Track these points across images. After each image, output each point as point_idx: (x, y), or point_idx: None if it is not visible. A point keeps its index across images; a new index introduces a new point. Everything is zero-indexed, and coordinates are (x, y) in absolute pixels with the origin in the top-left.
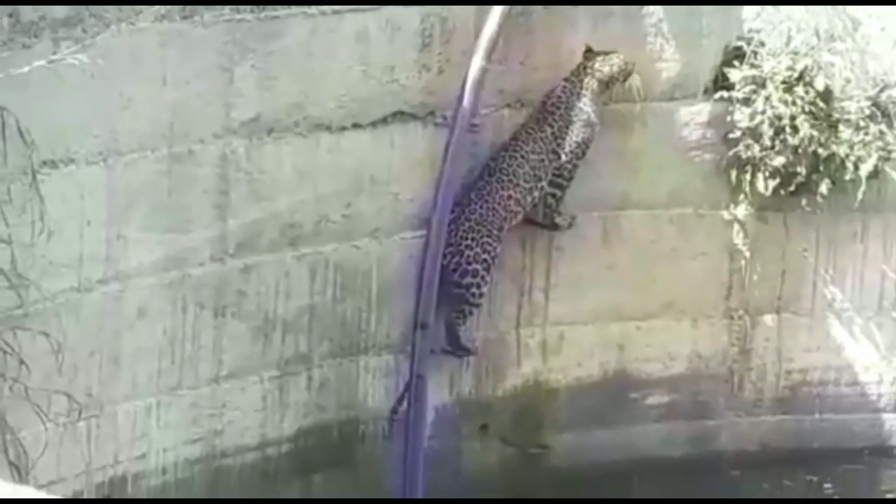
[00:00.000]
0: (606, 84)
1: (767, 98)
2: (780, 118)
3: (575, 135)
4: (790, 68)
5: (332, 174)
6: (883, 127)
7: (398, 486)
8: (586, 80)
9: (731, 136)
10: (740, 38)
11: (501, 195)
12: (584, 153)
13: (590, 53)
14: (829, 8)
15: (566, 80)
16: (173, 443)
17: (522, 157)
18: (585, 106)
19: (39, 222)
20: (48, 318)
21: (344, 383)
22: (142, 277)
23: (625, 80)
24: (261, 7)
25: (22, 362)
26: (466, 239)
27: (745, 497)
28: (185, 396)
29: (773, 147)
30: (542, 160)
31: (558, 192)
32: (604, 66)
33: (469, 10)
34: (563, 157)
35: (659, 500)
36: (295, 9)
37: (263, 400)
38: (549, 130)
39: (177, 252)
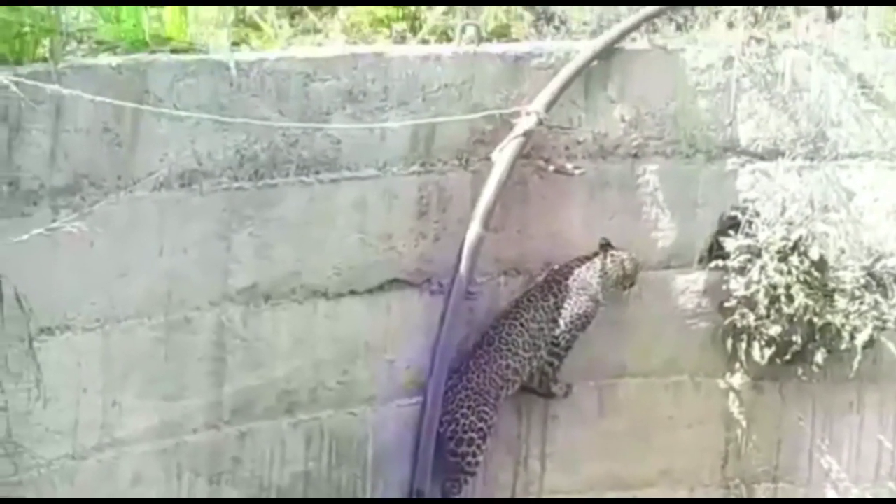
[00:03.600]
0: (619, 276)
1: (763, 267)
2: (775, 287)
3: (578, 307)
4: (785, 238)
5: (329, 341)
6: (878, 297)
7: None
8: (603, 261)
9: (726, 304)
10: (735, 207)
11: (500, 364)
12: (584, 326)
13: (606, 244)
14: (822, 178)
15: (579, 258)
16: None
17: (522, 325)
18: (594, 281)
19: (35, 389)
20: (43, 486)
21: None
22: (137, 444)
23: (631, 286)
24: (258, 175)
25: None
26: (463, 407)
27: None
28: None
29: (768, 316)
30: (542, 329)
31: (556, 362)
32: (624, 260)
33: (465, 179)
34: (563, 327)
35: (660, 499)
36: (292, 177)
37: None
38: (552, 300)
39: (172, 419)
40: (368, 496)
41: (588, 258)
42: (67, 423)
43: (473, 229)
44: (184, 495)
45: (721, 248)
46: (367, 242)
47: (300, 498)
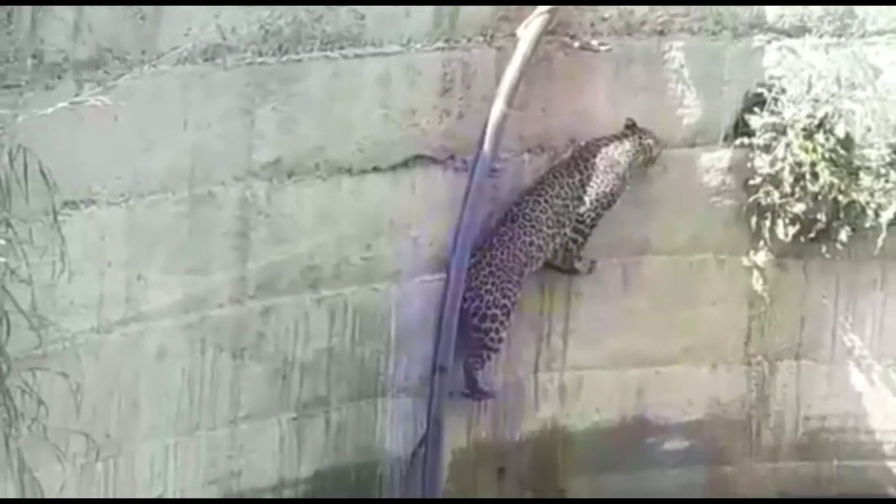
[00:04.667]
0: (644, 154)
1: (788, 145)
2: (800, 165)
3: (605, 184)
4: (811, 115)
5: (353, 217)
6: None
7: None
8: (630, 140)
9: (751, 182)
10: (761, 84)
11: (524, 241)
12: (609, 205)
13: (632, 124)
14: (850, 55)
15: (608, 136)
16: (190, 484)
17: (547, 202)
18: (623, 160)
19: (60, 263)
20: (67, 359)
21: (361, 426)
22: (161, 319)
23: (651, 162)
24: (282, 50)
25: (41, 402)
26: (487, 284)
27: None
28: (202, 438)
29: (793, 194)
30: (567, 206)
31: (580, 239)
32: (651, 141)
33: (490, 56)
34: (589, 205)
35: (659, 499)
36: (317, 52)
37: (281, 442)
38: (578, 177)
39: (196, 294)
40: (391, 372)
41: (617, 137)
42: (92, 297)
43: (497, 106)
44: (207, 370)
45: (746, 125)
46: (391, 118)
47: (305, 498)
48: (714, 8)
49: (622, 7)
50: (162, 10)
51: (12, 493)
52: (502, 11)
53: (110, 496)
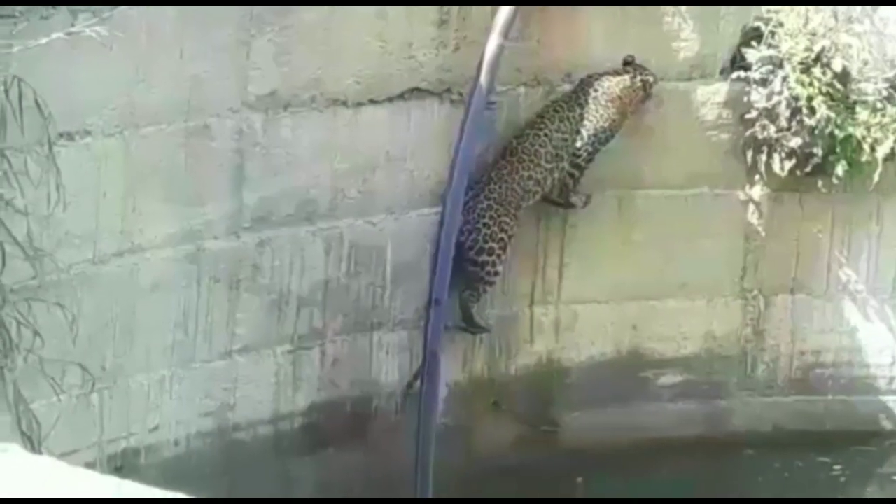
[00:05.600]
0: (643, 90)
1: (785, 79)
2: (797, 99)
3: (604, 119)
4: (808, 49)
5: (349, 150)
6: None
7: (410, 462)
8: (630, 75)
9: (747, 116)
10: (758, 18)
11: (521, 175)
12: (608, 139)
13: (631, 60)
14: None
15: (609, 71)
16: (186, 416)
17: (546, 136)
18: (623, 95)
19: (55, 194)
20: (63, 290)
21: (357, 359)
22: (157, 250)
23: (648, 98)
24: None
25: (36, 334)
26: (484, 217)
27: (753, 478)
28: (198, 370)
29: (789, 128)
30: (566, 140)
31: (577, 173)
32: (648, 75)
33: None
34: (587, 139)
35: (660, 500)
36: None
37: (276, 374)
38: (578, 111)
39: (192, 226)
40: (387, 305)
41: (617, 72)
42: (88, 229)
43: (494, 39)
44: (203, 302)
45: (743, 59)
46: (388, 51)
47: (307, 498)
48: None
49: None
50: None
51: (8, 426)
52: None
53: (106, 427)
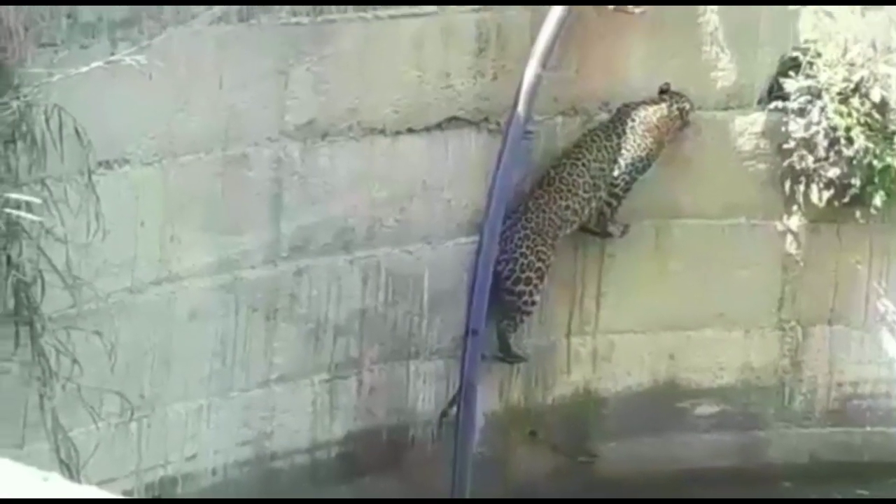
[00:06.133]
0: (680, 119)
1: (823, 109)
2: (835, 129)
3: (642, 149)
4: (846, 79)
5: (386, 179)
6: None
7: (447, 491)
8: (667, 104)
9: (785, 146)
10: (796, 48)
11: (560, 205)
12: (645, 168)
13: (667, 89)
14: (885, 19)
15: (646, 100)
16: (224, 444)
17: (584, 165)
18: (660, 124)
19: (95, 223)
20: (101, 319)
21: (394, 388)
22: (195, 279)
23: (686, 126)
24: (317, 10)
25: (75, 362)
26: (521, 247)
27: None
28: (236, 398)
29: (827, 158)
30: (603, 169)
31: (614, 203)
32: (685, 103)
33: (525, 17)
34: (625, 169)
35: (658, 499)
36: (351, 13)
37: (314, 403)
38: (615, 140)
39: (230, 255)
40: (424, 334)
41: (654, 101)
42: (126, 257)
43: (531, 68)
44: (240, 331)
45: (781, 89)
46: (425, 80)
47: (310, 498)
48: None
49: None
50: None
51: (46, 453)
52: None
53: (144, 456)
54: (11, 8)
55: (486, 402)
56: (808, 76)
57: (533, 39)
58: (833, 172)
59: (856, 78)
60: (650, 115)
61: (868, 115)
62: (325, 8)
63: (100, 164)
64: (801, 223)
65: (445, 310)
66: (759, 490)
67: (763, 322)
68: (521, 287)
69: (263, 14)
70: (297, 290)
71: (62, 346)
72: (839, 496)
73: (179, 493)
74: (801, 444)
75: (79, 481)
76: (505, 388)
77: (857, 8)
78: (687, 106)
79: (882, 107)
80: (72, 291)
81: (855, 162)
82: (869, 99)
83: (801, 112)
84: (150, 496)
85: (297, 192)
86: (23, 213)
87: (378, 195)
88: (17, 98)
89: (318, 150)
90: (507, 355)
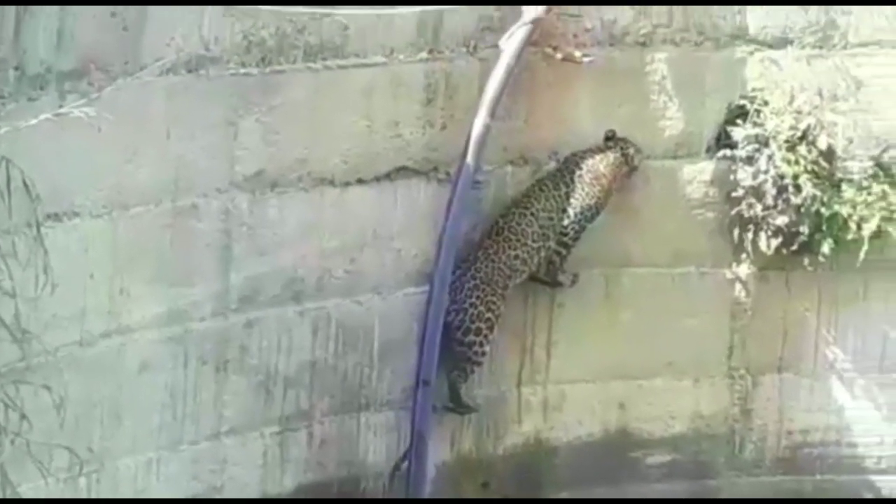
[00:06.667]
0: (627, 165)
1: (770, 157)
2: (782, 177)
3: (590, 197)
4: (793, 127)
5: (336, 229)
6: (886, 187)
7: None
8: (614, 151)
9: (733, 194)
10: (744, 96)
11: (509, 254)
12: (594, 217)
13: (613, 135)
14: (832, 67)
15: (593, 148)
16: (174, 498)
17: (532, 215)
18: (607, 172)
19: (43, 275)
20: (50, 372)
21: (345, 440)
22: (144, 331)
23: (634, 171)
24: (266, 61)
25: (23, 416)
26: (471, 297)
27: None
28: (185, 451)
29: (775, 206)
30: (552, 218)
31: (564, 252)
32: (630, 148)
33: (473, 67)
34: (574, 218)
35: (657, 500)
36: (300, 63)
37: (264, 456)
38: (563, 189)
39: (179, 306)
40: (374, 385)
41: (601, 149)
42: (75, 310)
43: (480, 118)
44: (191, 383)
45: (729, 137)
46: (374, 130)
47: (311, 498)
48: (696, 19)
49: (605, 18)
50: (145, 21)
51: None
52: (485, 22)
53: None
54: None
55: (438, 452)
56: (755, 124)
57: (481, 89)
58: (781, 220)
59: (803, 126)
60: (597, 162)
61: (815, 162)
62: (274, 59)
63: (48, 216)
64: (750, 271)
65: (395, 360)
66: None
67: (713, 370)
68: (471, 337)
69: (212, 65)
70: (247, 341)
71: (10, 401)
72: None
73: None
74: (752, 492)
75: None
76: (456, 439)
77: (804, 55)
78: (632, 150)
79: (829, 154)
80: (20, 345)
81: (803, 210)
82: (816, 147)
83: (749, 160)
84: None
85: (247, 243)
86: None
87: (328, 245)
88: None
89: (267, 200)
90: (458, 406)
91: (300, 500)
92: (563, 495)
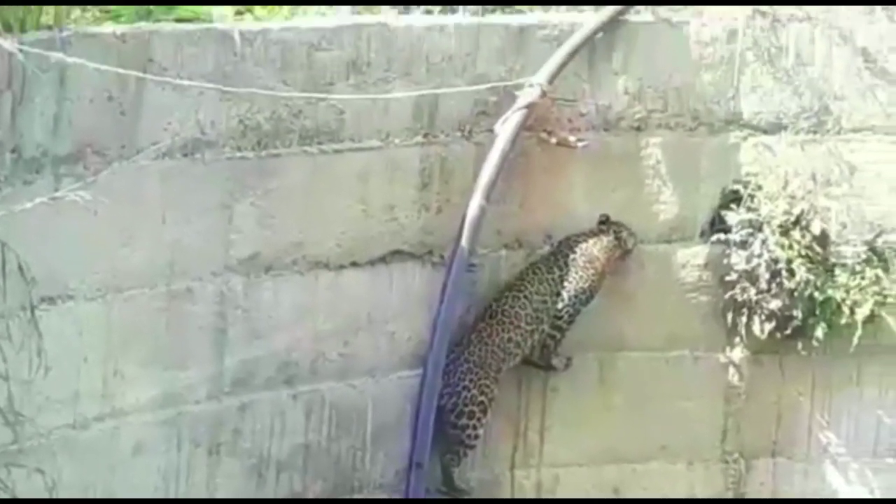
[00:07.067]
0: (621, 249)
1: (764, 241)
2: (776, 262)
3: (584, 280)
4: (787, 212)
5: (330, 312)
6: (879, 272)
7: None
8: (608, 235)
9: (727, 278)
10: (737, 181)
11: (502, 337)
12: (588, 300)
13: (607, 219)
14: (825, 152)
15: (586, 232)
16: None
17: (526, 298)
18: (601, 255)
19: (37, 358)
20: (43, 455)
21: None
22: (138, 414)
23: (628, 254)
24: (261, 145)
25: (16, 500)
26: (465, 380)
27: None
28: None
29: (769, 290)
30: (546, 302)
31: (557, 335)
32: (624, 231)
33: (468, 151)
34: (568, 301)
35: (658, 500)
36: (295, 147)
37: None
38: (557, 273)
39: (173, 389)
40: (368, 469)
41: (594, 233)
42: (69, 393)
43: (475, 201)
44: (183, 466)
45: (723, 221)
46: (370, 214)
47: (311, 498)
48: (691, 104)
49: (600, 102)
50: (142, 105)
51: None
52: (480, 107)
53: None
54: None
55: None
56: (749, 209)
57: (476, 173)
58: (775, 304)
59: (796, 210)
60: (591, 246)
61: (809, 247)
62: (270, 142)
63: (43, 299)
64: (744, 355)
65: (389, 443)
66: None
67: (706, 454)
68: (464, 420)
69: (208, 149)
70: (241, 424)
71: (3, 484)
72: None
73: None
74: None
75: None
76: None
77: (797, 140)
78: (626, 234)
79: (822, 239)
80: (13, 428)
81: (796, 294)
82: (809, 231)
83: (743, 244)
84: None
85: (241, 327)
86: None
87: (322, 329)
88: None
89: (262, 284)
90: (451, 489)
91: (300, 500)
92: None
